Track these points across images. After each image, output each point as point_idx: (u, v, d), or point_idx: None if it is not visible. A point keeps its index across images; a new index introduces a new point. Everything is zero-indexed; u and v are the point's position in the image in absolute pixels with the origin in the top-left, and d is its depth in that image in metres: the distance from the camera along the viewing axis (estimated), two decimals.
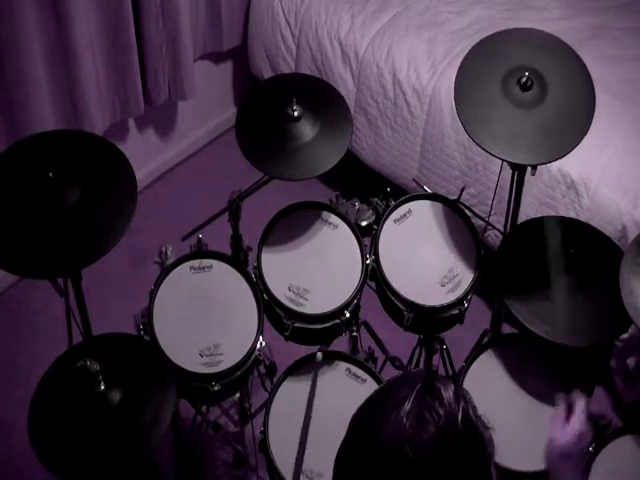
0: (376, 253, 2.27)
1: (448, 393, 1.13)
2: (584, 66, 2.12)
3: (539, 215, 2.68)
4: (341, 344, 2.46)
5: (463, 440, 1.11)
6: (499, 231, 2.56)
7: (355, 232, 2.31)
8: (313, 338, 2.32)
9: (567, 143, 2.03)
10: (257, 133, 2.18)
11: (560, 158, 2.07)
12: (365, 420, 1.16)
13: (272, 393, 2.18)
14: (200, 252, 2.25)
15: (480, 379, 2.17)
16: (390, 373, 2.59)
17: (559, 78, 2.09)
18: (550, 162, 2.11)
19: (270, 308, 2.23)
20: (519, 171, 2.16)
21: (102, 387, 1.80)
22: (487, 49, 2.15)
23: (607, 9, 3.27)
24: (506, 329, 2.46)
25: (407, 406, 1.11)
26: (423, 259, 2.30)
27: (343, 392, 2.18)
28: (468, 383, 2.16)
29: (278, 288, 2.21)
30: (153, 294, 2.17)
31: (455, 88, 2.10)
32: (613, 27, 3.18)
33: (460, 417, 1.11)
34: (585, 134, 2.04)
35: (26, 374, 2.81)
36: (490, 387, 2.16)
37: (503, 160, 2.08)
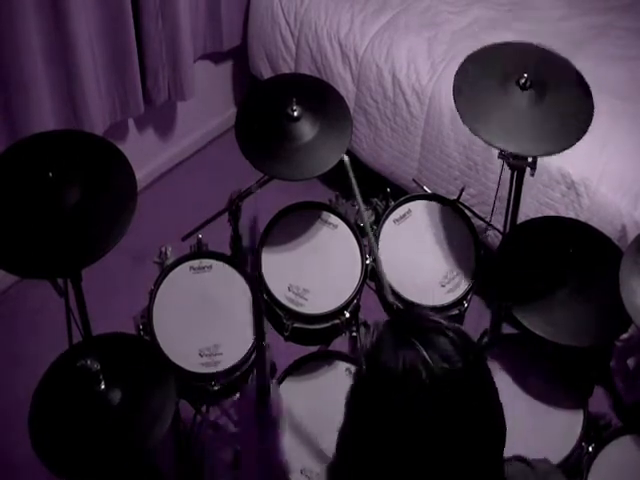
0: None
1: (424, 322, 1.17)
2: (581, 76, 2.11)
3: (539, 215, 2.68)
4: (341, 344, 2.46)
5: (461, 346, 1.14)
6: (499, 231, 2.56)
7: (355, 232, 2.31)
8: (313, 338, 2.32)
9: (566, 141, 2.03)
10: (257, 133, 2.18)
11: (560, 152, 2.06)
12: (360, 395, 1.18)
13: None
14: (200, 252, 2.26)
15: None
16: None
17: (557, 83, 2.09)
18: (548, 155, 2.10)
19: (270, 308, 2.23)
20: (518, 171, 2.16)
21: (102, 387, 1.80)
22: (484, 57, 2.15)
23: (608, 9, 3.27)
24: (506, 329, 2.46)
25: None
26: (423, 259, 2.30)
27: (343, 392, 2.17)
28: None
29: (278, 288, 2.21)
30: (153, 294, 2.17)
31: (454, 87, 2.10)
32: (614, 27, 3.18)
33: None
34: (584, 133, 2.04)
35: (26, 374, 2.81)
36: None
37: (501, 150, 2.07)
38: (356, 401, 1.20)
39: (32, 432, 1.79)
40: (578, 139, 2.03)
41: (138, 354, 1.95)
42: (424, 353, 1.12)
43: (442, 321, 1.17)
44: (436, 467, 1.13)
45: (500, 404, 1.19)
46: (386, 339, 1.17)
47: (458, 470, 1.13)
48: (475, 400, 1.14)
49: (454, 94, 2.09)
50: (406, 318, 1.22)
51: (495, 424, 1.18)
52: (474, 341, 1.20)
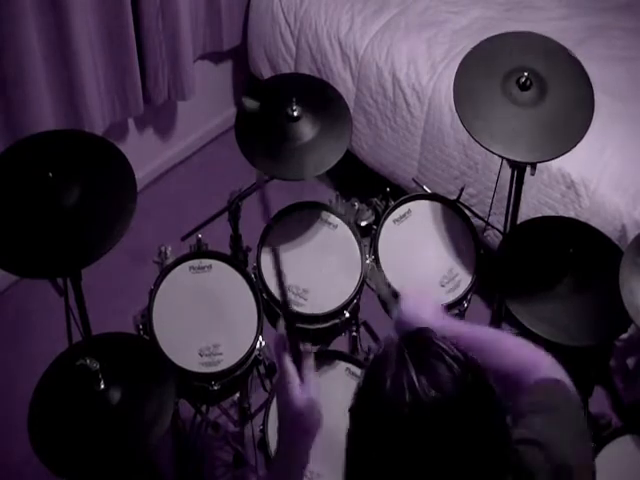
0: (376, 253, 2.27)
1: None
2: (582, 68, 2.12)
3: (539, 215, 2.68)
4: (341, 344, 2.46)
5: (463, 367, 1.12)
6: (499, 231, 2.56)
7: (354, 232, 2.31)
8: (313, 338, 2.32)
9: (566, 142, 2.04)
10: (257, 133, 2.18)
11: (559, 157, 2.06)
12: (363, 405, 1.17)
13: (272, 393, 2.18)
14: (200, 252, 2.26)
15: None
16: None
17: (558, 80, 2.09)
18: (548, 160, 2.11)
19: (270, 308, 2.23)
20: (518, 171, 2.17)
21: (102, 386, 1.80)
22: (485, 52, 2.15)
23: (607, 9, 3.27)
24: (506, 329, 2.46)
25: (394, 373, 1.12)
26: (423, 259, 2.30)
27: (343, 391, 2.18)
28: None
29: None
30: (153, 294, 2.17)
31: (454, 87, 2.10)
32: (613, 27, 3.18)
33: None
34: (584, 134, 2.04)
35: (26, 374, 2.81)
36: None
37: (502, 157, 2.08)
38: (355, 411, 1.19)
39: (32, 432, 1.79)
40: (577, 142, 2.03)
41: (138, 354, 1.95)
42: (414, 377, 1.10)
43: (448, 348, 1.13)
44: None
45: (506, 426, 1.15)
46: (389, 356, 1.16)
47: None
48: (466, 428, 1.10)
49: (454, 93, 2.09)
50: (415, 337, 1.18)
51: (495, 449, 1.14)
52: (479, 372, 1.14)
